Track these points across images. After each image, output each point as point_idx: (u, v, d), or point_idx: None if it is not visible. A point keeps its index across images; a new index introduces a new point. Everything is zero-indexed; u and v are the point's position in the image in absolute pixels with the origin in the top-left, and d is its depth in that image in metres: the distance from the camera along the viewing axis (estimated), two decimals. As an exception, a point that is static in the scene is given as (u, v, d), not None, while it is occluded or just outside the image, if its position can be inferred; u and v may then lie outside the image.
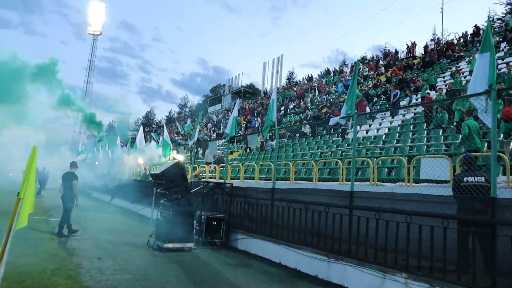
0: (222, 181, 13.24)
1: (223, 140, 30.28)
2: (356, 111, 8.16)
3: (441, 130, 12.07)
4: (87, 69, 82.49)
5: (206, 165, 17.92)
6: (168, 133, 17.74)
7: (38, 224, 12.13)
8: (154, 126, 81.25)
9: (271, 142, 19.44)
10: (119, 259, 8.13)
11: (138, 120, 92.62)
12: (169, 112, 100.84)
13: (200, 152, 27.55)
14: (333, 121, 8.43)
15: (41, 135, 31.05)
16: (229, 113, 49.88)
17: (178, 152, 17.26)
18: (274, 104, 10.52)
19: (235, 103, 54.61)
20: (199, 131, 42.70)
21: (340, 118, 8.02)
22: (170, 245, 9.42)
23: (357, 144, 14.31)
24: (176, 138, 41.99)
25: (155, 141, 28.84)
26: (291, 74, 77.36)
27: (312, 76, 46.30)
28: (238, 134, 16.96)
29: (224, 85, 77.15)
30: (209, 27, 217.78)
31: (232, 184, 11.68)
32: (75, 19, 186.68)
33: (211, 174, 19.49)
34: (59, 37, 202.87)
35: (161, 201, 10.28)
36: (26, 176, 3.92)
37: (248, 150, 24.00)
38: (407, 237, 6.22)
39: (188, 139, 21.71)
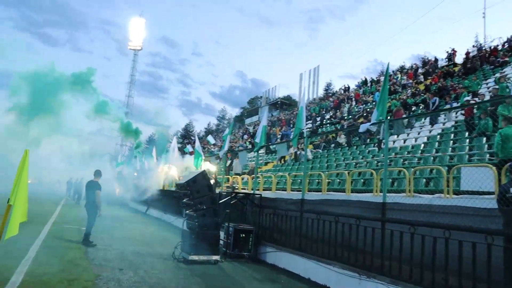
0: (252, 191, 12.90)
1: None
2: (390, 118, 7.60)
3: (484, 138, 11.20)
4: (129, 83, 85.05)
5: (238, 176, 17.61)
6: (200, 144, 17.59)
7: (70, 233, 12.20)
8: (193, 138, 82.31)
9: (303, 153, 18.92)
10: (141, 270, 7.90)
11: (177, 132, 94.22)
12: (208, 124, 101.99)
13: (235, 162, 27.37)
14: (363, 127, 7.88)
15: (84, 146, 32.00)
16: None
17: (210, 163, 17.08)
18: (302, 111, 10.09)
19: (272, 114, 53.87)
20: (235, 141, 42.88)
21: (371, 124, 7.49)
22: (195, 257, 9.12)
23: (393, 154, 13.62)
24: (213, 149, 42.16)
25: (189, 153, 28.96)
26: (328, 85, 76.57)
27: (349, 87, 45.39)
28: (268, 144, 16.56)
29: (261, 97, 77.30)
30: (247, 40, 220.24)
31: (260, 194, 11.30)
32: (117, 35, 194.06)
33: (244, 186, 19.19)
34: (103, 53, 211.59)
35: (187, 211, 10.04)
36: (17, 181, 3.69)
37: (282, 161, 23.55)
38: (445, 254, 5.60)
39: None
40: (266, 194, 12.47)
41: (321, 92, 63.69)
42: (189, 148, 34.00)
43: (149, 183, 31.69)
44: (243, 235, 10.49)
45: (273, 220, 10.55)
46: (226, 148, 15.03)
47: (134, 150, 30.16)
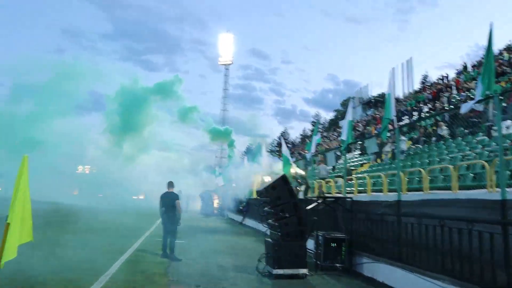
0: (342, 195, 11.73)
1: (352, 152, 28.50)
2: (497, 93, 5.96)
3: None
4: (223, 97, 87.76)
5: (322, 181, 16.37)
6: (286, 148, 16.78)
7: (160, 246, 12.07)
8: (289, 145, 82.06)
9: (404, 148, 17.09)
10: (219, 287, 7.27)
11: (273, 141, 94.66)
12: (303, 130, 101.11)
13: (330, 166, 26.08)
14: (465, 107, 6.32)
15: (186, 160, 33.08)
16: (360, 124, 47.41)
17: (299, 167, 16.17)
18: (390, 98, 8.71)
19: (366, 114, 51.25)
20: (327, 144, 41.39)
21: (475, 102, 5.95)
22: (280, 271, 8.25)
23: (509, 141, 11.44)
24: (306, 153, 41.14)
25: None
26: (424, 78, 71.31)
27: (447, 75, 41.30)
28: (356, 140, 15.01)
29: (353, 97, 74.56)
30: (335, 41, 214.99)
31: (351, 198, 10.09)
32: (210, 54, 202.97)
33: (337, 190, 17.93)
34: (198, 72, 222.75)
35: (268, 220, 9.23)
36: (15, 196, 3.16)
37: (378, 160, 21.77)
38: None
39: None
40: (360, 197, 11.22)
41: (416, 87, 59.35)
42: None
43: (243, 192, 31.74)
44: (334, 244, 9.39)
45: (367, 226, 9.30)
46: (313, 150, 14.00)
47: (228, 149, 30.27)
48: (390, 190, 13.07)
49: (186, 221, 24.62)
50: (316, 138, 14.24)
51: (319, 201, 10.17)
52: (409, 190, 11.84)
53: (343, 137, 10.70)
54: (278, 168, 18.14)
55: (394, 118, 8.84)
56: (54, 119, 21.56)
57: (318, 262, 9.42)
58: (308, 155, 14.91)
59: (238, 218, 27.61)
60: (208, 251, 11.85)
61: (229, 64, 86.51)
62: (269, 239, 9.09)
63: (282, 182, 8.67)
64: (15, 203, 3.10)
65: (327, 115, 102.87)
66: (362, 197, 11.59)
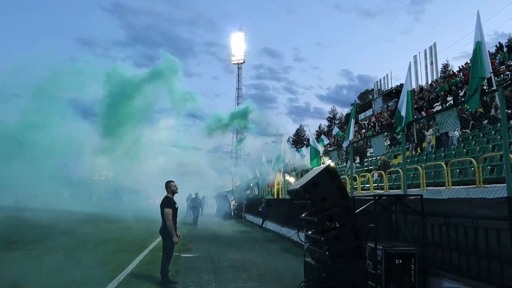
0: (398, 192, 8.93)
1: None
2: None
3: None
4: (236, 97, 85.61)
5: (368, 173, 13.55)
6: (314, 139, 14.00)
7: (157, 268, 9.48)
8: (305, 142, 79.23)
9: (455, 133, 14.12)
10: None
11: (289, 138, 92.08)
12: (319, 127, 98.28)
13: (357, 160, 23.18)
14: None
15: (201, 162, 31.03)
16: (380, 116, 44.24)
17: (330, 159, 13.37)
18: (482, 48, 5.80)
19: (387, 105, 48.30)
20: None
21: None
22: (332, 309, 5.53)
23: None
24: (329, 148, 38.52)
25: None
26: (445, 67, 67.62)
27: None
28: (416, 119, 12.02)
29: (372, 89, 72.03)
30: (348, 36, 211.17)
31: (421, 196, 7.24)
32: (222, 55, 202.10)
33: (376, 185, 15.11)
34: (211, 74, 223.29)
35: (308, 232, 6.48)
36: None
37: (418, 150, 18.85)
38: None
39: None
40: (429, 194, 8.43)
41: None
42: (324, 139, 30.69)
43: (262, 192, 29.22)
44: (400, 260, 6.60)
45: (449, 235, 6.50)
46: (351, 136, 11.15)
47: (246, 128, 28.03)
48: (454, 183, 10.36)
49: (200, 223, 22.22)
50: (353, 122, 11.37)
51: (374, 200, 7.33)
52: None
53: (402, 113, 7.82)
54: (304, 162, 15.46)
55: (491, 76, 6.04)
56: (69, 126, 21.20)
57: (378, 287, 6.66)
58: (345, 143, 12.06)
59: (257, 220, 24.98)
60: (223, 270, 9.19)
61: (242, 63, 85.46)
62: (311, 260, 6.33)
63: (328, 176, 5.90)
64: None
65: (342, 111, 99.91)
66: (430, 193, 8.80)
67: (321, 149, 11.68)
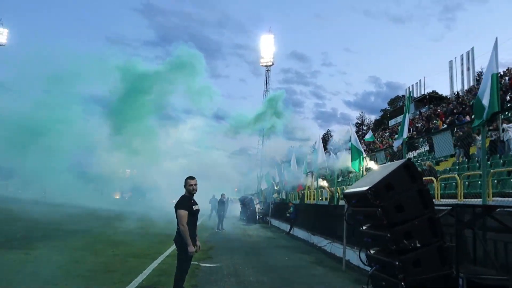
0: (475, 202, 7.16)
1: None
2: None
3: None
4: (264, 99, 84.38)
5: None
6: (356, 138, 12.29)
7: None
8: (331, 148, 77.24)
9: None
10: None
11: (315, 143, 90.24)
12: (346, 132, 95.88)
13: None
14: None
15: (224, 162, 30.08)
16: (414, 122, 41.79)
17: (374, 161, 11.64)
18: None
19: (420, 111, 46.07)
20: (376, 145, 36.38)
21: None
22: None
23: None
24: (376, 145, 36.69)
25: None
26: (479, 75, 64.40)
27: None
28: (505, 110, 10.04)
29: (403, 96, 69.81)
30: (377, 43, 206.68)
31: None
32: (250, 58, 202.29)
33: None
34: (238, 76, 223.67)
35: (372, 252, 4.82)
36: None
37: (466, 157, 16.85)
38: None
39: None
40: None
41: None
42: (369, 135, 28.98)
43: (289, 196, 27.60)
44: (489, 294, 4.90)
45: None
46: (405, 134, 9.43)
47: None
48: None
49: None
50: (408, 119, 9.61)
51: (449, 211, 5.62)
52: None
53: (484, 101, 6.07)
54: (343, 163, 13.77)
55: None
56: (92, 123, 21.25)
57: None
58: (396, 142, 10.33)
59: (284, 226, 23.32)
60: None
61: (271, 65, 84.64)
62: (375, 290, 4.69)
63: (406, 175, 4.24)
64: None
65: (370, 117, 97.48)
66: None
67: (406, 131, 9.90)
